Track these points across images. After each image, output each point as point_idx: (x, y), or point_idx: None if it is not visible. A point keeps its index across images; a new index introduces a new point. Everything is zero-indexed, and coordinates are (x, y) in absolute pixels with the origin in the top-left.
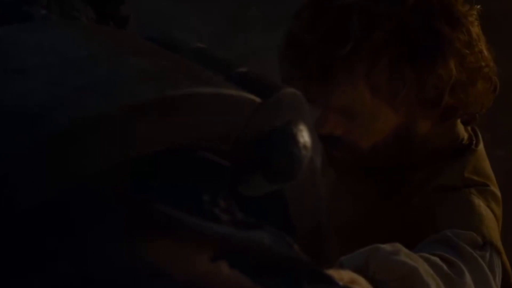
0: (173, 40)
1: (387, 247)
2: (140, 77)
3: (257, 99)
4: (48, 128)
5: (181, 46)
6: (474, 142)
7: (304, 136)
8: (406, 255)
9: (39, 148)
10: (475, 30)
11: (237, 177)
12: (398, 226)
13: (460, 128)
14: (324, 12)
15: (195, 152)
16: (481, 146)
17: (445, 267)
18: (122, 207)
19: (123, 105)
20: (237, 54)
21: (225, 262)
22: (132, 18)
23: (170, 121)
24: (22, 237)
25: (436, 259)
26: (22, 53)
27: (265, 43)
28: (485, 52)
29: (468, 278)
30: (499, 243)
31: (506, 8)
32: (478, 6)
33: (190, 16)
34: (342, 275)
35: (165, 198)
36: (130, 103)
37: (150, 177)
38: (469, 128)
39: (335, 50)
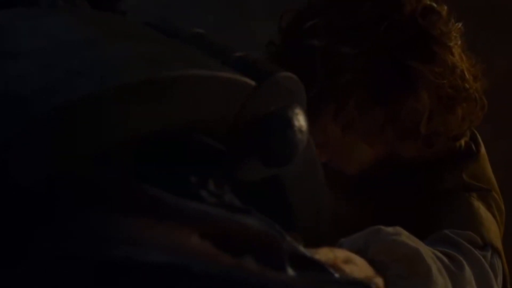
0: (171, 26)
1: (388, 229)
2: (133, 59)
3: (253, 83)
4: (38, 110)
5: (179, 32)
6: (473, 147)
7: (300, 120)
8: (407, 237)
9: (29, 130)
10: (456, 52)
11: (233, 161)
12: None
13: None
14: (289, 51)
15: (189, 134)
16: (482, 151)
17: (445, 259)
18: (108, 187)
19: (115, 86)
20: (240, 43)
21: (199, 236)
22: (128, 14)
23: (163, 102)
24: (8, 223)
25: (436, 251)
26: (16, 37)
27: (269, 32)
28: (467, 74)
29: (468, 272)
30: (499, 246)
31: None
32: (460, 25)
33: (191, 6)
34: (336, 253)
35: (152, 179)
36: (122, 84)
37: (138, 158)
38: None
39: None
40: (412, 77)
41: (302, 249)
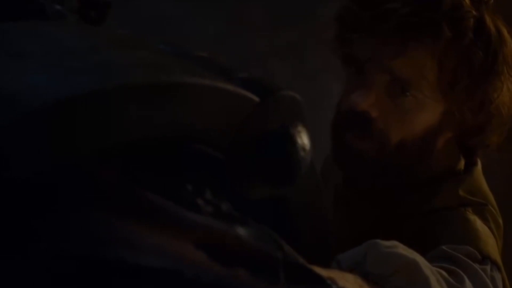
0: (177, 48)
1: (385, 242)
2: (135, 64)
3: (256, 98)
4: (38, 104)
5: (184, 53)
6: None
7: (303, 138)
8: (404, 250)
9: (27, 122)
10: None
11: (236, 177)
12: None
13: (460, 158)
14: None
15: (190, 144)
16: (477, 168)
17: (445, 273)
18: (107, 189)
19: (115, 85)
20: (239, 57)
21: (193, 245)
22: (111, 5)
23: (164, 107)
24: (7, 216)
25: (435, 268)
26: (23, 42)
27: (269, 43)
28: None
29: (468, 285)
30: (498, 259)
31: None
32: None
33: (191, 18)
34: (328, 273)
35: (150, 184)
36: (123, 85)
37: (138, 162)
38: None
39: (427, 10)
40: (508, 54)
41: (300, 260)
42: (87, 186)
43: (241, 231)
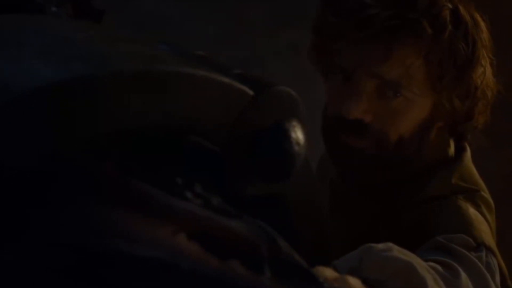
0: (176, 47)
1: (379, 245)
2: (131, 54)
3: (251, 92)
4: (34, 86)
5: (182, 52)
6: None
7: (297, 132)
8: (399, 252)
9: (21, 107)
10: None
11: (231, 173)
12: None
13: (450, 144)
14: None
15: (186, 135)
16: (467, 154)
17: (440, 268)
18: (102, 178)
19: (111, 72)
20: (239, 57)
21: (186, 236)
22: (106, 13)
23: (159, 96)
24: (1, 205)
25: (429, 263)
26: (22, 32)
27: (268, 44)
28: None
29: (464, 277)
30: (492, 244)
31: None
32: None
33: (191, 18)
34: (325, 272)
35: (141, 176)
36: (117, 71)
37: (134, 154)
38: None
39: (406, 11)
40: (486, 40)
41: (295, 256)
42: (82, 177)
43: (230, 222)
